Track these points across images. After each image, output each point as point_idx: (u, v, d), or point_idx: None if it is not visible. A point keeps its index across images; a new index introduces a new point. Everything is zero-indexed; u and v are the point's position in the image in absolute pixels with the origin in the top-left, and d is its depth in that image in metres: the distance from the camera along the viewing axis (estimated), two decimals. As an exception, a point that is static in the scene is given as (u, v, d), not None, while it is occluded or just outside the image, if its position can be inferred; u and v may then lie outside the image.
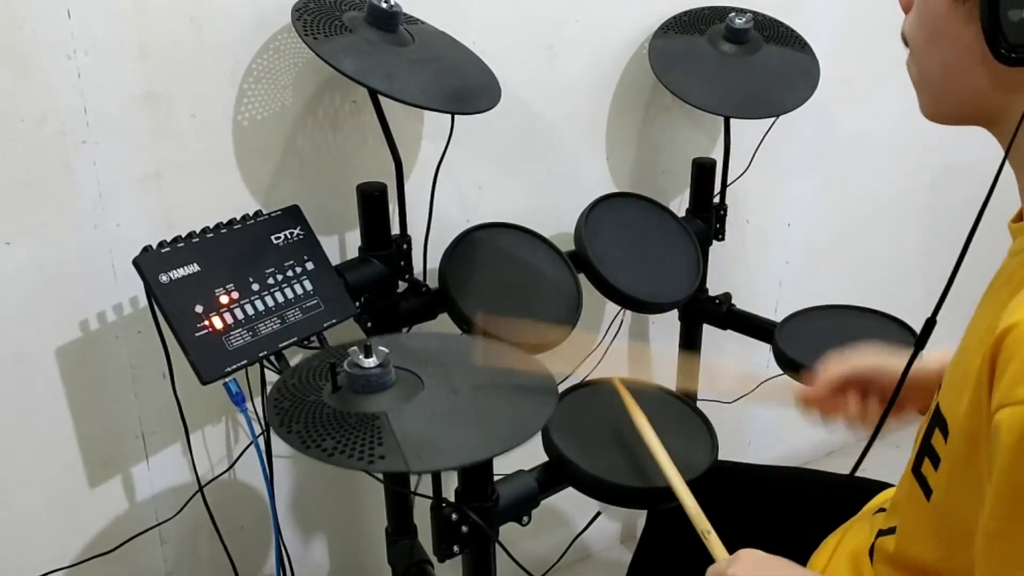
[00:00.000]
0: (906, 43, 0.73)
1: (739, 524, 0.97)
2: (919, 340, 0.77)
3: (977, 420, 0.64)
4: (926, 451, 0.74)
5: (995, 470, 0.60)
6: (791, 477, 1.22)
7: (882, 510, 0.92)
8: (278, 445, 1.32)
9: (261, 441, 1.26)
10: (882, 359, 0.97)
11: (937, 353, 0.93)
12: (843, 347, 1.42)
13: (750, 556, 0.85)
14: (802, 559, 0.96)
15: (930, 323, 0.75)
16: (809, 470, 1.19)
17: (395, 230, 1.33)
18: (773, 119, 1.65)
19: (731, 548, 0.90)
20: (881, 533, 0.86)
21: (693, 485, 1.10)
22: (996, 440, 0.60)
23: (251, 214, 1.19)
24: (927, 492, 0.74)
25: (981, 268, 0.79)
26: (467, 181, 1.49)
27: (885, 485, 1.05)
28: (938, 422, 0.71)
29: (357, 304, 1.24)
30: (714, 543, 0.92)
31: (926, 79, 0.71)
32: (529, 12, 1.44)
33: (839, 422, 1.00)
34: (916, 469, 0.77)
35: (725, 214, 1.69)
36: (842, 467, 1.12)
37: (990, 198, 0.69)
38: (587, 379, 1.29)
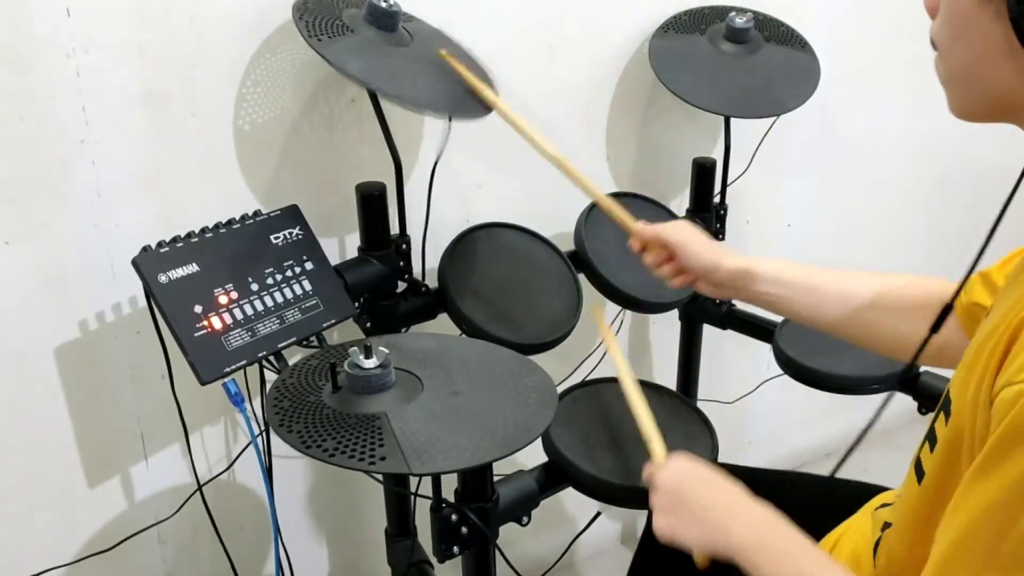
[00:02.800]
0: (935, 47, 0.73)
1: None
2: (934, 326, 0.78)
3: (978, 400, 0.65)
4: (928, 436, 0.75)
5: (991, 436, 0.61)
6: (789, 481, 1.22)
7: (885, 505, 0.92)
8: (277, 445, 1.32)
9: (260, 441, 1.25)
10: (691, 240, 1.08)
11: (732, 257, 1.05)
12: (843, 347, 1.42)
13: (679, 463, 0.89)
14: None
15: (947, 309, 0.76)
16: (808, 474, 1.19)
17: (394, 230, 1.33)
18: (773, 119, 1.65)
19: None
20: (886, 526, 0.86)
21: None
22: (1001, 413, 0.61)
23: (250, 214, 1.19)
24: (920, 475, 0.75)
25: (985, 258, 0.79)
26: (466, 181, 1.49)
27: (881, 488, 1.05)
28: (945, 407, 0.72)
29: (356, 304, 1.24)
30: (656, 448, 0.94)
31: (953, 76, 0.72)
32: (529, 12, 1.44)
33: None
34: (918, 456, 0.77)
35: (725, 214, 1.69)
36: (841, 467, 1.12)
37: (1015, 192, 0.69)
38: (587, 380, 1.29)
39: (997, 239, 0.73)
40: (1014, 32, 0.62)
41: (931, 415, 0.78)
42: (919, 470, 0.76)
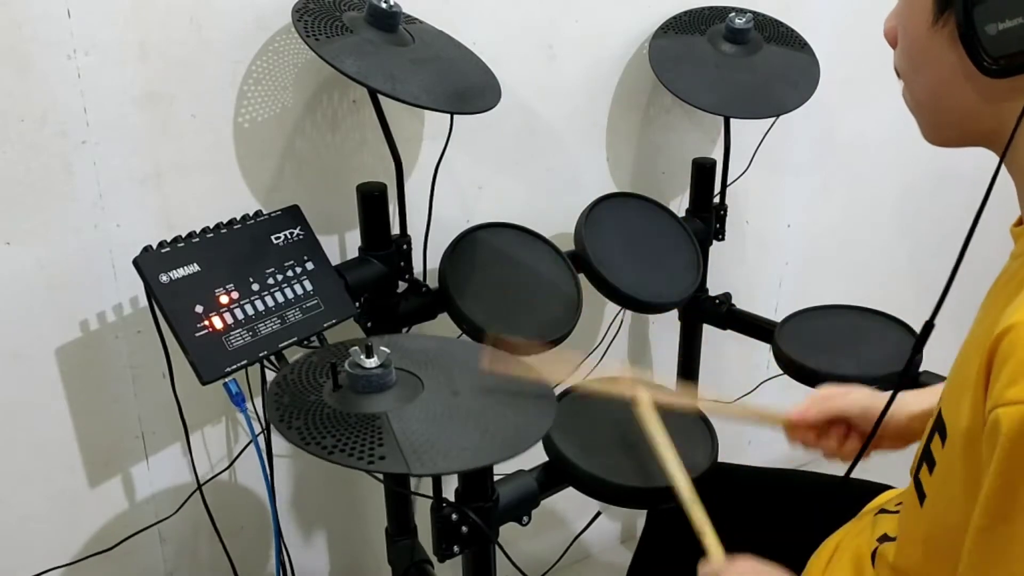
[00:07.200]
0: (899, 75, 0.75)
1: (738, 526, 0.97)
2: (917, 344, 0.77)
3: (974, 423, 0.64)
4: (925, 457, 0.74)
5: (990, 468, 0.60)
6: (790, 479, 1.22)
7: (884, 511, 0.92)
8: (278, 445, 1.33)
9: (261, 440, 1.26)
10: (869, 402, 1.00)
11: (913, 397, 0.97)
12: (843, 347, 1.43)
13: (746, 563, 0.86)
14: (801, 560, 0.96)
15: (928, 326, 0.76)
16: (808, 472, 1.20)
17: (395, 230, 1.33)
18: (773, 119, 1.65)
19: (729, 549, 0.90)
20: (884, 539, 0.86)
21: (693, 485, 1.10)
22: (992, 440, 0.60)
23: (251, 214, 1.19)
24: (921, 498, 0.75)
25: (982, 273, 0.79)
26: (467, 181, 1.49)
27: (884, 487, 1.05)
28: (938, 427, 0.72)
29: (357, 304, 1.24)
30: (710, 541, 0.92)
31: (919, 105, 0.73)
32: (529, 12, 1.44)
33: (820, 453, 1.05)
34: (915, 475, 0.77)
35: (725, 214, 1.69)
36: (839, 469, 1.12)
37: (985, 205, 0.70)
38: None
39: (980, 251, 0.73)
40: (967, 54, 0.63)
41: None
42: (920, 491, 0.75)
